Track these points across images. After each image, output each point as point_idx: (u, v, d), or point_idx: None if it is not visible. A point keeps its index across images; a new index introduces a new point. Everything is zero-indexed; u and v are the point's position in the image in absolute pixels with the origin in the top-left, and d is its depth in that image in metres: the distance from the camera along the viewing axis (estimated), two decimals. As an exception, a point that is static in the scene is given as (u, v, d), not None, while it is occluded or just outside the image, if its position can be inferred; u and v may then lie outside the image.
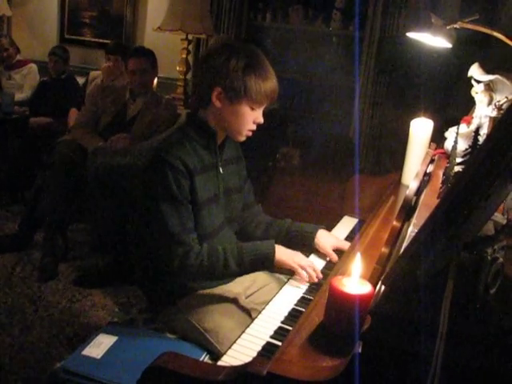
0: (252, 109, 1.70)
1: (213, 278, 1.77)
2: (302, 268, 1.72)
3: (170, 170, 1.64)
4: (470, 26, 1.95)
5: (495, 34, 1.84)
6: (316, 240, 1.94)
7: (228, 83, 1.64)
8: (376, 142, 4.34)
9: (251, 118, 1.72)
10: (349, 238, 2.09)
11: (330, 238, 1.95)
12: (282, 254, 1.75)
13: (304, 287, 1.69)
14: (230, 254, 1.71)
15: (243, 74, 1.63)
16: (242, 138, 1.79)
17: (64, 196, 3.24)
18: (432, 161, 2.19)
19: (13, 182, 4.14)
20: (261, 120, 1.74)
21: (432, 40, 2.08)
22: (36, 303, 2.92)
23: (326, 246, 1.92)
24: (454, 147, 1.73)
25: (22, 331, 2.64)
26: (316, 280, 1.71)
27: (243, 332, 1.41)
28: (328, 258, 1.89)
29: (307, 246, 1.95)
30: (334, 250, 1.91)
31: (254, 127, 1.75)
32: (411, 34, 2.13)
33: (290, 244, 1.92)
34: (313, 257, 1.90)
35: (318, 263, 1.84)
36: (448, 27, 1.98)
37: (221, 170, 1.83)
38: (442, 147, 2.22)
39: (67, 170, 3.25)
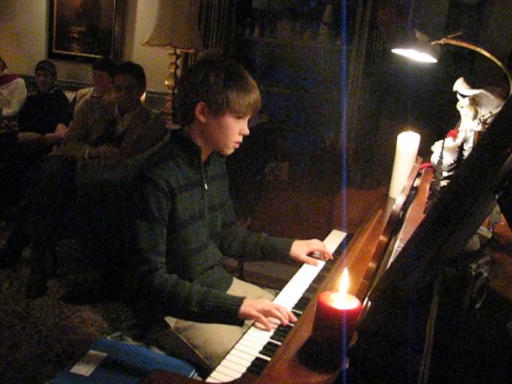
0: (236, 119, 1.70)
1: (171, 311, 1.71)
2: (268, 314, 1.53)
3: (153, 188, 1.64)
4: (454, 42, 1.97)
5: (478, 49, 1.86)
6: (290, 253, 1.98)
7: (210, 97, 1.65)
8: (364, 156, 4.35)
9: (237, 130, 1.72)
10: (337, 252, 2.09)
11: (301, 247, 2.00)
12: (246, 306, 1.56)
13: (293, 302, 1.68)
14: (196, 292, 1.59)
15: (224, 87, 1.65)
16: (230, 151, 1.79)
17: (51, 212, 3.23)
18: (419, 174, 2.21)
19: (0, 198, 4.11)
20: (246, 131, 1.75)
21: (417, 55, 2.10)
22: (24, 320, 2.90)
23: (298, 255, 1.97)
24: (440, 161, 1.75)
25: (10, 348, 2.62)
26: (286, 322, 1.52)
27: (232, 347, 1.40)
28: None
29: (283, 259, 2.02)
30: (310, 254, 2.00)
31: (240, 139, 1.76)
32: (396, 50, 2.16)
33: (265, 258, 2.03)
34: (281, 297, 1.74)
35: (287, 304, 1.67)
36: (432, 43, 2.01)
37: (206, 187, 1.83)
38: (429, 161, 2.24)
39: (54, 186, 3.23)
